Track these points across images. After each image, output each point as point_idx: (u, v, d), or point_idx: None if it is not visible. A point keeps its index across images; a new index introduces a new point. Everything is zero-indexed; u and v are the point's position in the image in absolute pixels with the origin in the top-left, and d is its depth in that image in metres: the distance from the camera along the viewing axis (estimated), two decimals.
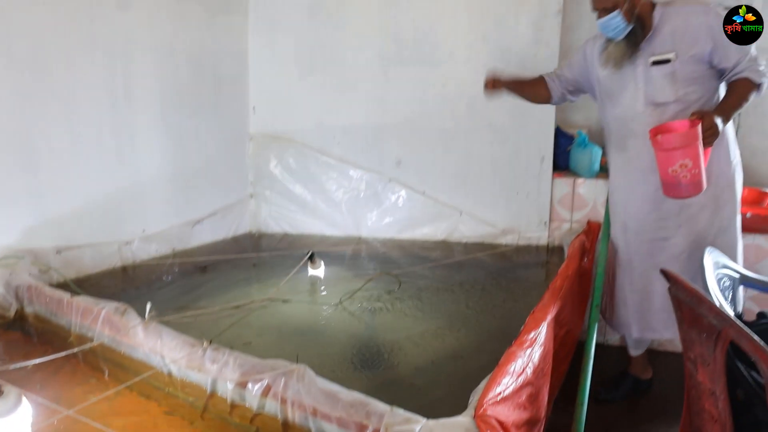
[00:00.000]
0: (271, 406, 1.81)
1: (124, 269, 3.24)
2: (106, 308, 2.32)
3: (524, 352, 1.85)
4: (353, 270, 3.37)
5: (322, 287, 3.12)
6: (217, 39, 3.73)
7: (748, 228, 3.16)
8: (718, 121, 2.27)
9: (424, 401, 2.03)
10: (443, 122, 3.76)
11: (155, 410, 2.05)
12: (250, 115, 4.04)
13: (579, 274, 2.90)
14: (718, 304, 2.10)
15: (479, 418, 1.50)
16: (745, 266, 3.14)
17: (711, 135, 2.25)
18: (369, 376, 2.25)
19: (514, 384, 1.72)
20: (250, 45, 3.97)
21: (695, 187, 2.29)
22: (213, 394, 1.96)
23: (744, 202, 3.46)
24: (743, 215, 3.14)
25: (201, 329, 2.51)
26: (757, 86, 2.38)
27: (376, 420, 1.57)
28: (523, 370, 1.80)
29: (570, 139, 3.70)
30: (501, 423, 1.55)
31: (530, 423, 1.83)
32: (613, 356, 3.09)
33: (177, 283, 3.20)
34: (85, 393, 2.09)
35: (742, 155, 3.92)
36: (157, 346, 2.11)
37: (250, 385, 1.84)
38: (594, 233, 3.28)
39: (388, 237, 3.93)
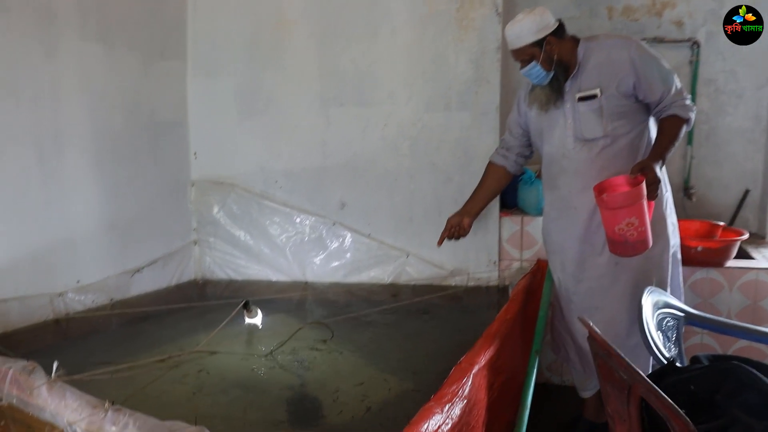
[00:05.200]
0: None
1: (57, 322, 3.11)
2: (13, 367, 2.21)
3: (443, 408, 1.76)
4: (297, 317, 3.27)
5: (256, 337, 3.01)
6: (153, 85, 3.66)
7: (700, 262, 3.13)
8: (659, 170, 2.24)
9: None
10: (386, 163, 3.71)
11: None
12: (191, 161, 3.96)
13: (525, 316, 2.84)
14: (654, 347, 2.04)
15: None
16: (699, 301, 3.12)
17: (655, 188, 2.22)
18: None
19: None
20: (189, 90, 3.91)
21: (642, 245, 2.26)
22: None
23: (695, 235, 3.44)
24: (694, 249, 3.11)
25: (120, 385, 2.40)
26: (686, 121, 2.36)
27: None
28: (438, 428, 1.71)
29: (517, 177, 3.64)
30: None
31: None
32: (572, 398, 2.99)
33: (112, 335, 3.10)
34: None
35: (695, 186, 3.96)
36: (60, 408, 2.00)
37: None
38: (543, 271, 3.22)
39: (335, 281, 3.83)
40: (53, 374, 2.10)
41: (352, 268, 3.82)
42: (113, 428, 1.84)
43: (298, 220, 3.85)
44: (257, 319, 3.06)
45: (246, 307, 3.01)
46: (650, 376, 1.63)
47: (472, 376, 1.96)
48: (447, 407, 1.77)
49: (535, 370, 2.44)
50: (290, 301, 3.62)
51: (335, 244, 3.83)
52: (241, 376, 2.56)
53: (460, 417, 1.83)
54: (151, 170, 3.68)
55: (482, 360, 2.10)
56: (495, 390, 2.25)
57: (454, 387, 1.85)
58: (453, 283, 3.68)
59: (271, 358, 2.71)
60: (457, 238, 2.92)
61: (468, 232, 2.90)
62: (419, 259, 3.73)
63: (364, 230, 3.80)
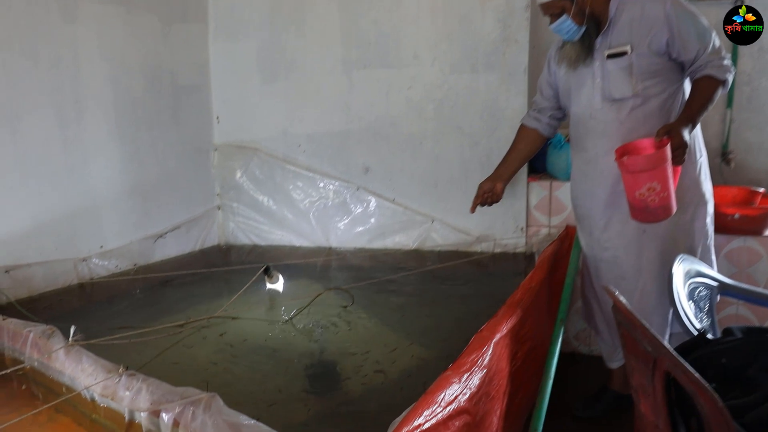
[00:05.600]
0: None
1: (81, 286, 3.15)
2: (34, 331, 2.23)
3: (461, 378, 1.70)
4: (320, 282, 3.23)
5: (278, 302, 2.98)
6: (174, 49, 3.62)
7: (737, 230, 3.01)
8: (686, 134, 2.10)
9: (376, 428, 1.89)
10: (410, 126, 3.62)
11: None
12: (214, 125, 3.93)
13: (551, 283, 2.76)
14: (685, 318, 1.95)
15: None
16: (735, 270, 3.00)
17: (681, 153, 2.10)
18: (315, 400, 2.11)
19: (441, 413, 1.58)
20: (210, 53, 3.87)
21: (664, 211, 2.14)
22: (131, 422, 1.85)
23: (733, 202, 3.30)
24: (731, 216, 2.99)
25: (140, 350, 2.40)
26: (721, 83, 2.22)
27: None
28: (455, 398, 1.65)
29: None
30: None
31: None
32: (600, 368, 2.91)
33: (136, 299, 3.11)
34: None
35: (734, 151, 3.79)
36: (77, 372, 2.01)
37: (163, 415, 1.72)
38: (571, 238, 3.12)
39: (359, 246, 3.79)
40: (70, 338, 2.10)
41: (377, 234, 3.77)
42: (127, 393, 1.83)
43: (321, 184, 3.81)
44: (278, 285, 3.03)
45: (267, 272, 2.98)
46: (679, 349, 1.55)
47: (492, 344, 1.90)
48: (465, 377, 1.72)
49: (560, 340, 2.37)
50: (313, 266, 3.58)
51: (359, 209, 3.78)
52: (261, 342, 2.53)
53: (479, 387, 1.78)
54: (173, 135, 3.66)
55: (504, 328, 2.03)
56: (518, 359, 2.19)
57: (474, 356, 1.79)
58: (479, 250, 3.61)
59: (291, 324, 2.68)
60: (490, 203, 2.79)
61: (501, 197, 2.77)
62: (444, 224, 3.66)
63: (388, 195, 3.74)
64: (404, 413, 1.52)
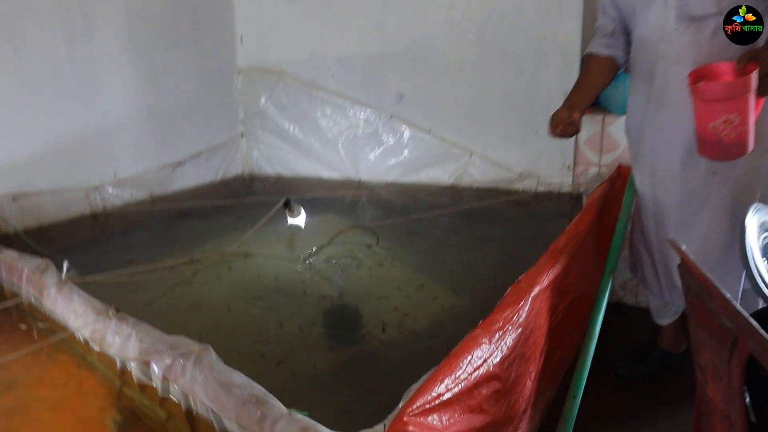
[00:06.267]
0: (175, 391, 1.53)
1: (94, 217, 3.00)
2: (28, 265, 2.09)
3: (491, 337, 1.46)
4: (347, 218, 3.03)
5: (299, 239, 2.79)
6: None
7: None
8: None
9: (397, 386, 1.69)
10: (450, 51, 3.30)
11: (77, 382, 1.84)
12: (237, 46, 3.66)
13: (600, 229, 2.48)
14: (758, 278, 1.66)
15: None
16: None
17: None
18: (328, 352, 1.92)
19: (466, 380, 1.35)
20: None
21: (738, 149, 1.85)
22: (123, 370, 1.70)
23: None
24: None
25: (145, 287, 2.26)
26: None
27: (270, 424, 1.24)
28: (484, 362, 1.42)
29: None
30: None
31: (491, 427, 1.46)
32: (647, 321, 2.64)
33: (151, 231, 2.97)
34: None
35: None
36: (67, 312, 1.86)
37: (153, 365, 1.55)
38: (624, 179, 2.81)
39: (390, 180, 3.56)
40: (63, 275, 1.94)
41: (410, 167, 3.53)
42: (116, 338, 1.66)
43: (351, 112, 3.56)
44: (300, 220, 2.82)
45: (287, 205, 2.77)
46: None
47: (531, 299, 1.66)
48: (497, 336, 1.49)
49: (607, 293, 2.11)
50: (341, 200, 3.41)
51: (391, 140, 3.53)
52: (276, 282, 2.35)
53: (513, 347, 1.55)
54: (193, 56, 3.41)
55: (545, 279, 1.79)
56: (559, 313, 1.95)
57: (508, 312, 1.56)
58: (520, 188, 3.34)
59: (310, 263, 2.47)
60: (570, 134, 2.43)
61: (580, 128, 2.41)
62: (484, 159, 3.38)
63: (423, 125, 3.46)
64: (422, 380, 1.31)
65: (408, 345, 1.94)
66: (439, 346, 1.91)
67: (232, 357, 1.79)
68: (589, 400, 1.78)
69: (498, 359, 1.47)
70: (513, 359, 1.56)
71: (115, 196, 3.10)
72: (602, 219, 2.51)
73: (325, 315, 2.13)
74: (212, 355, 1.45)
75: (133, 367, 1.62)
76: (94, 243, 2.77)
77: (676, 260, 2.19)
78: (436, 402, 1.26)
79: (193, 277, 2.36)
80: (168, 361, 1.49)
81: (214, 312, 2.11)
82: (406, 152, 3.53)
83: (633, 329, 2.82)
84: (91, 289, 1.92)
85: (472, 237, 2.83)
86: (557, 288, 1.88)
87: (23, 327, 2.10)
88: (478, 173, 3.41)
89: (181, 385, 1.44)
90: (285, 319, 2.08)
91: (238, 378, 1.38)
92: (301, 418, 1.23)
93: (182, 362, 1.46)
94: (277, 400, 1.29)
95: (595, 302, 2.09)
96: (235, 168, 3.77)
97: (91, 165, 3.00)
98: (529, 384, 1.71)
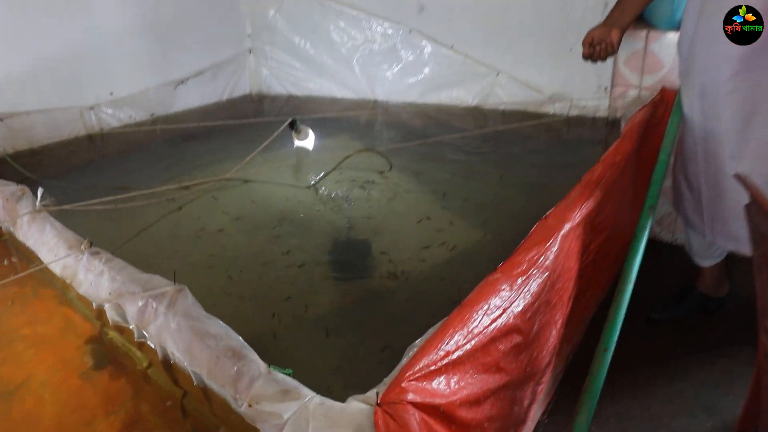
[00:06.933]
0: (151, 337, 1.36)
1: (90, 138, 2.86)
2: (2, 192, 1.91)
3: (513, 283, 1.25)
4: (361, 141, 2.83)
5: (306, 163, 2.59)
6: None
7: None
8: None
9: (407, 330, 1.50)
10: None
11: (59, 320, 1.70)
12: None
13: (640, 159, 2.25)
14: None
15: (386, 405, 0.95)
16: None
17: None
18: (327, 294, 1.73)
19: (482, 335, 1.15)
20: None
21: None
22: (100, 310, 1.53)
23: None
24: None
25: (134, 215, 2.09)
26: None
27: (246, 384, 1.05)
28: (504, 312, 1.21)
29: None
30: (430, 408, 1.00)
31: (509, 388, 1.27)
32: (685, 260, 2.42)
33: (151, 154, 2.81)
34: None
35: None
36: (38, 244, 1.70)
37: (127, 306, 1.37)
38: (668, 104, 2.54)
39: (409, 101, 3.36)
40: (38, 203, 1.76)
41: (431, 86, 3.34)
42: (88, 275, 1.48)
43: (367, 25, 3.35)
44: (307, 142, 2.62)
45: (293, 126, 2.55)
46: None
47: (560, 238, 1.44)
48: (519, 281, 1.28)
49: (646, 233, 1.87)
50: (356, 121, 3.21)
51: (411, 56, 3.33)
52: (276, 211, 2.17)
53: (538, 294, 1.35)
54: None
55: (577, 215, 1.57)
56: (590, 253, 1.75)
57: (533, 254, 1.34)
58: (551, 111, 3.13)
59: (314, 190, 2.27)
60: (604, 58, 2.18)
61: (617, 49, 2.16)
62: (512, 78, 3.17)
63: (446, 40, 3.24)
64: (426, 335, 1.11)
65: (416, 288, 1.74)
66: (452, 291, 1.72)
67: (220, 297, 1.62)
68: (617, 346, 1.60)
69: (520, 308, 1.26)
70: (537, 308, 1.35)
71: (112, 117, 2.95)
72: (642, 148, 2.26)
73: (328, 249, 1.95)
74: (188, 298, 1.27)
75: (108, 308, 1.45)
76: (88, 167, 2.61)
77: (727, 197, 1.96)
78: (444, 362, 1.06)
79: (186, 204, 2.17)
80: (140, 303, 1.31)
81: (207, 244, 1.93)
82: (426, 70, 3.34)
83: (669, 269, 2.60)
84: (74, 220, 1.75)
85: (497, 165, 2.63)
86: (589, 225, 1.66)
87: (5, 261, 1.95)
88: (504, 94, 3.22)
89: (151, 332, 1.26)
90: (283, 253, 1.89)
91: (215, 326, 1.19)
92: (282, 377, 1.05)
93: (155, 305, 1.28)
94: (256, 354, 1.10)
95: (632, 242, 1.85)
96: (242, 87, 3.60)
97: (84, 83, 2.84)
98: (554, 334, 1.51)
